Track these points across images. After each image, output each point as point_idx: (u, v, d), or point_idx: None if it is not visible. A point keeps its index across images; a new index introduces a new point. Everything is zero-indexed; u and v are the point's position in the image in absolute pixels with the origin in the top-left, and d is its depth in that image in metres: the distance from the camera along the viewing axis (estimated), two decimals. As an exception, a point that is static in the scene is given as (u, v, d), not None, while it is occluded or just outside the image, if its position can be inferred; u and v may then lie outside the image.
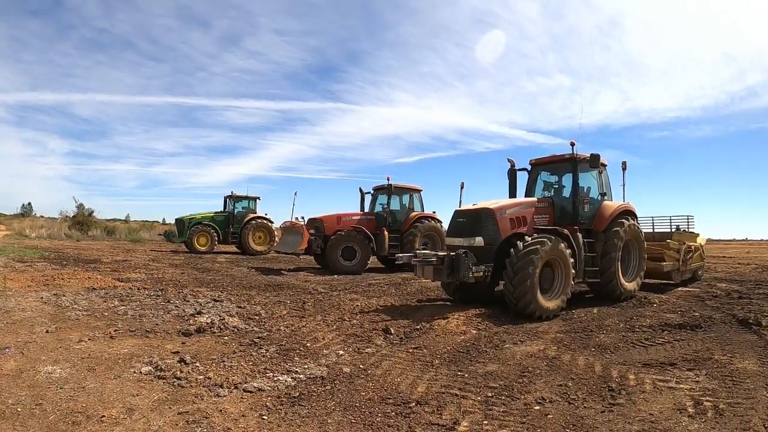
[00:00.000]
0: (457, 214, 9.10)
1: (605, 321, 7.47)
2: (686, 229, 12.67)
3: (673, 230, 12.63)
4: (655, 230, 12.92)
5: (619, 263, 9.33)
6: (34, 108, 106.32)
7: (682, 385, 4.45)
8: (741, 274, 15.16)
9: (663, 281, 11.65)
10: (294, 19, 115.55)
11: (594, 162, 9.01)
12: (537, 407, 3.90)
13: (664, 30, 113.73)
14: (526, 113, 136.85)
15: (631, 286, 9.69)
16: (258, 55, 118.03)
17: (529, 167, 10.44)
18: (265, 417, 3.57)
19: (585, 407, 3.92)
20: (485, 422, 3.57)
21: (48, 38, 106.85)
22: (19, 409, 3.55)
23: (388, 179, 16.72)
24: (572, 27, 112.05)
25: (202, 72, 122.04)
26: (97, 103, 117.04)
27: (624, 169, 10.41)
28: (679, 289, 11.30)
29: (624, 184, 10.44)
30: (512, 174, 10.25)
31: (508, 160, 10.25)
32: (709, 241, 14.60)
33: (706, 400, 4.04)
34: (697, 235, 12.95)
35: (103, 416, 3.48)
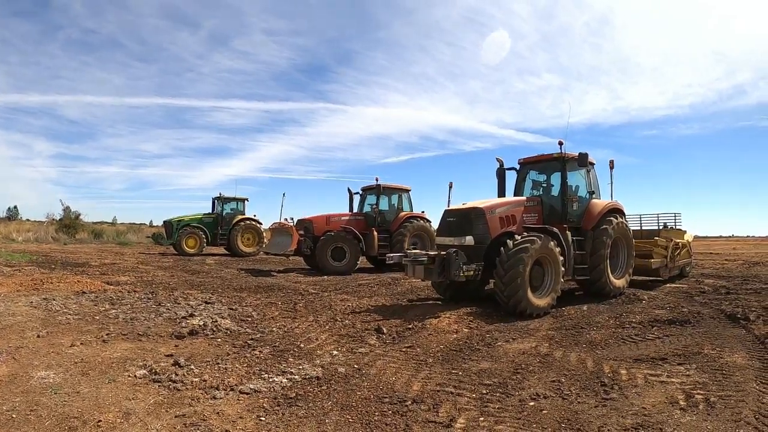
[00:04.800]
0: (448, 213, 9.14)
1: (595, 318, 7.56)
2: (674, 227, 12.84)
3: (661, 228, 12.78)
4: (643, 228, 13.07)
5: (608, 261, 9.43)
6: (21, 110, 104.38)
7: (673, 379, 4.53)
8: (728, 270, 15.41)
9: (651, 278, 11.82)
10: (283, 18, 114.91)
11: (582, 161, 9.10)
12: (532, 403, 3.95)
13: (653, 28, 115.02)
14: (516, 112, 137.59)
15: (620, 283, 9.81)
16: (247, 55, 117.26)
17: (517, 166, 10.52)
18: (262, 418, 3.58)
19: (579, 402, 3.98)
20: (481, 419, 3.61)
21: (34, 39, 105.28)
22: (13, 416, 3.51)
23: (376, 179, 16.78)
24: (563, 26, 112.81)
25: (191, 72, 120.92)
26: (84, 104, 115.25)
27: (612, 167, 10.51)
28: (668, 285, 11.46)
29: (612, 183, 10.55)
30: (501, 173, 10.32)
31: (497, 160, 10.33)
32: (695, 238, 14.80)
33: (698, 393, 4.12)
34: (685, 232, 13.14)
35: (100, 421, 3.46)
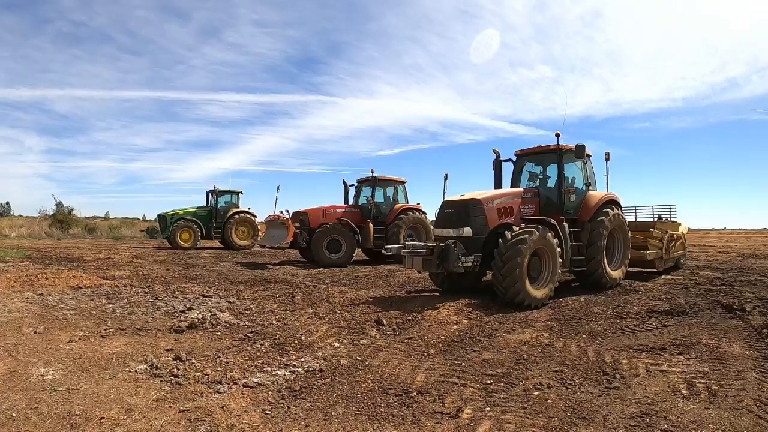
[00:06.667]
0: (445, 204, 9.13)
1: (593, 309, 7.59)
2: (669, 219, 12.90)
3: (656, 220, 12.84)
4: (638, 220, 13.13)
5: (604, 252, 9.46)
6: (11, 105, 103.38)
7: (674, 369, 4.56)
8: (722, 262, 15.55)
9: (647, 269, 11.87)
10: (274, 10, 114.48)
11: (579, 152, 9.11)
12: (536, 393, 3.97)
13: (646, 21, 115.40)
14: (509, 104, 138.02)
15: (616, 274, 9.86)
16: (238, 47, 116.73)
17: (514, 158, 10.52)
18: (268, 412, 3.55)
19: (582, 392, 4.00)
20: (487, 409, 3.61)
21: (23, 33, 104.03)
22: (13, 414, 3.45)
23: (372, 171, 16.73)
24: (555, 17, 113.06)
25: (181, 65, 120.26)
26: (74, 98, 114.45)
27: (607, 159, 10.54)
28: (663, 277, 11.55)
29: (607, 175, 10.60)
30: (498, 165, 10.33)
31: (494, 151, 10.33)
32: (689, 230, 14.91)
33: (699, 382, 4.15)
34: (680, 224, 13.21)
35: (102, 418, 3.41)
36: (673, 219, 13.02)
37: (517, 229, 8.12)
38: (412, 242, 9.08)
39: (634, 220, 12.97)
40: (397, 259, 10.47)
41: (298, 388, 4.06)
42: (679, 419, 3.42)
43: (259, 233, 23.23)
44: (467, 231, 8.36)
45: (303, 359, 4.90)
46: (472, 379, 4.30)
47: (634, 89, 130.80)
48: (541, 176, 10.36)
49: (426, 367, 4.69)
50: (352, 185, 17.71)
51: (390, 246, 9.44)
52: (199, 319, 6.55)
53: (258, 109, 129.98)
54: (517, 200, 9.08)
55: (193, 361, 4.78)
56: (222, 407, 3.63)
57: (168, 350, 5.20)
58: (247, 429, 3.28)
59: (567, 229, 8.91)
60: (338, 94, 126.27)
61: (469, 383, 4.20)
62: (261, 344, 5.47)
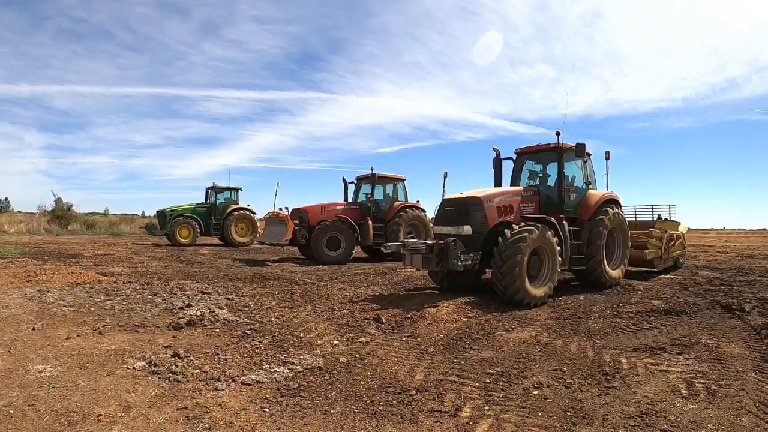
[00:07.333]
0: (445, 202, 9.11)
1: (592, 308, 7.58)
2: (668, 218, 12.89)
3: (656, 219, 12.83)
4: (638, 219, 13.10)
5: (604, 251, 9.45)
6: (10, 101, 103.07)
7: (673, 368, 4.55)
8: (721, 262, 15.53)
9: (646, 269, 11.86)
10: (274, 6, 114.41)
11: (580, 151, 9.08)
12: (535, 392, 3.96)
13: (646, 21, 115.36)
14: (509, 103, 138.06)
15: (615, 273, 9.84)
16: (238, 43, 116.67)
17: (514, 156, 10.49)
18: (266, 410, 3.54)
19: (582, 391, 3.99)
20: (487, 408, 3.61)
21: (23, 29, 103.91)
22: (11, 411, 3.44)
23: (371, 169, 16.70)
24: (556, 17, 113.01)
25: (181, 62, 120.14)
26: (74, 94, 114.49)
27: (607, 158, 10.50)
28: (662, 276, 11.53)
29: (607, 174, 10.56)
30: (498, 163, 10.29)
31: (494, 149, 10.29)
32: (688, 230, 14.90)
33: (698, 382, 4.15)
34: (679, 223, 13.19)
35: (100, 415, 3.40)
36: (672, 218, 13.00)
37: (517, 227, 8.10)
38: (411, 240, 9.06)
39: (633, 219, 12.93)
40: (396, 257, 10.46)
41: (297, 385, 4.05)
42: (679, 419, 3.42)
43: (259, 230, 23.20)
44: (467, 229, 8.33)
45: (302, 357, 4.89)
46: (472, 378, 4.30)
47: (634, 89, 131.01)
48: (541, 175, 10.34)
49: (425, 365, 4.69)
50: (352, 182, 17.70)
51: (389, 243, 9.43)
52: (197, 316, 6.53)
53: (258, 106, 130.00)
54: (517, 198, 9.06)
55: (192, 358, 4.76)
56: (220, 405, 3.61)
57: (166, 347, 5.19)
58: (246, 427, 3.27)
59: (567, 228, 8.89)
60: (338, 92, 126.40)
61: (469, 382, 4.20)
62: (260, 341, 5.46)
